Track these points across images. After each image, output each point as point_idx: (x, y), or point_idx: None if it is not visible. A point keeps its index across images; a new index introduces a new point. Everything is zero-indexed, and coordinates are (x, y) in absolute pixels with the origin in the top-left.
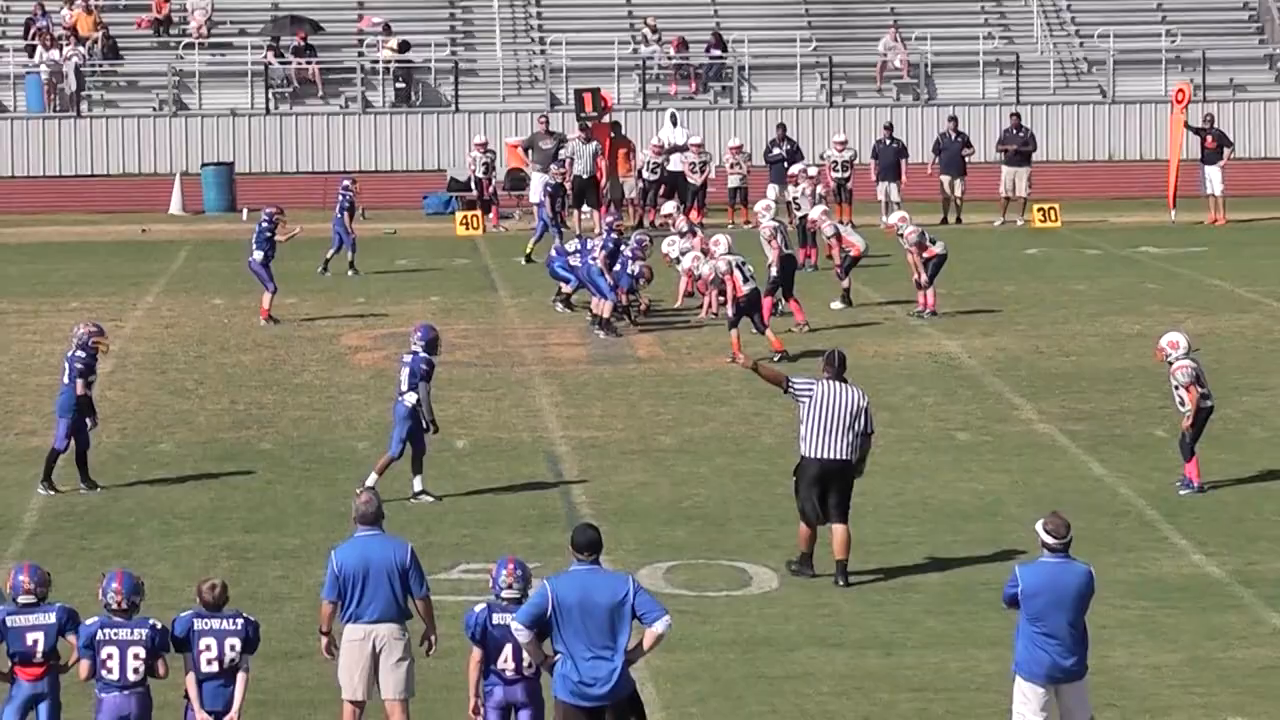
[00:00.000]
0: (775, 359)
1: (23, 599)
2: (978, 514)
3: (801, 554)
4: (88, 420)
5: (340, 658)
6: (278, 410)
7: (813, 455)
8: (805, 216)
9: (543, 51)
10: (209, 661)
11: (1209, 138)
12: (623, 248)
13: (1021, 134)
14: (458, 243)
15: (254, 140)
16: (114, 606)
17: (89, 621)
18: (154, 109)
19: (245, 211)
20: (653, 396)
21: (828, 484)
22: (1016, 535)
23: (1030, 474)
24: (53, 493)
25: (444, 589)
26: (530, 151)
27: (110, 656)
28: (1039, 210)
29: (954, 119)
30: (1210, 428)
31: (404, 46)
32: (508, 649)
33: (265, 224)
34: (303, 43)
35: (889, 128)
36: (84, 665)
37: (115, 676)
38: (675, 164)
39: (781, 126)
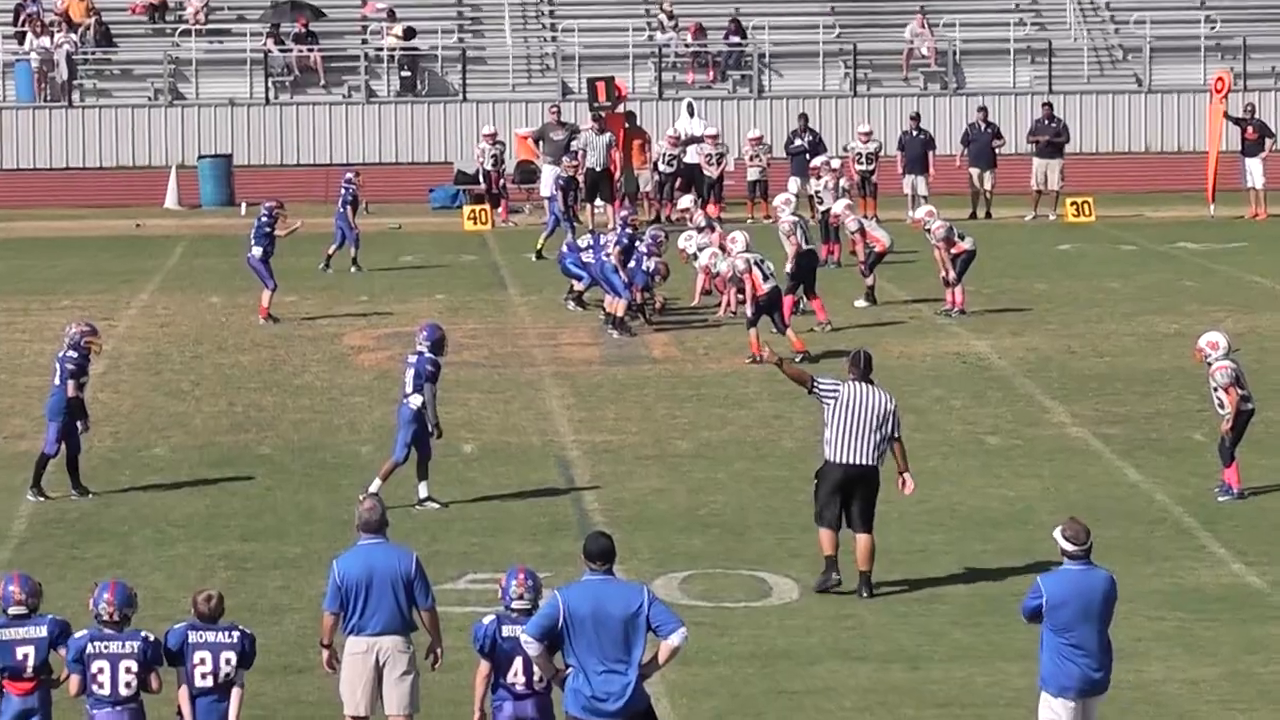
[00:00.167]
0: (797, 359)
1: (13, 610)
2: (1008, 521)
3: (826, 559)
4: (79, 423)
5: (342, 672)
6: (277, 413)
7: (837, 460)
8: (828, 211)
9: (554, 38)
10: (203, 676)
11: (1250, 128)
12: (637, 243)
13: (1054, 124)
14: (465, 238)
15: (253, 131)
16: (105, 618)
17: (78, 634)
18: (149, 99)
19: (244, 205)
20: (668, 399)
21: (851, 490)
22: (1048, 544)
23: (1063, 480)
24: (42, 499)
25: (450, 600)
26: (541, 143)
27: (101, 671)
28: (1072, 204)
29: (983, 109)
30: (1251, 431)
31: (409, 33)
32: (518, 662)
33: (265, 219)
34: (304, 29)
35: (915, 118)
36: (74, 680)
37: (106, 692)
38: (692, 156)
39: (803, 117)
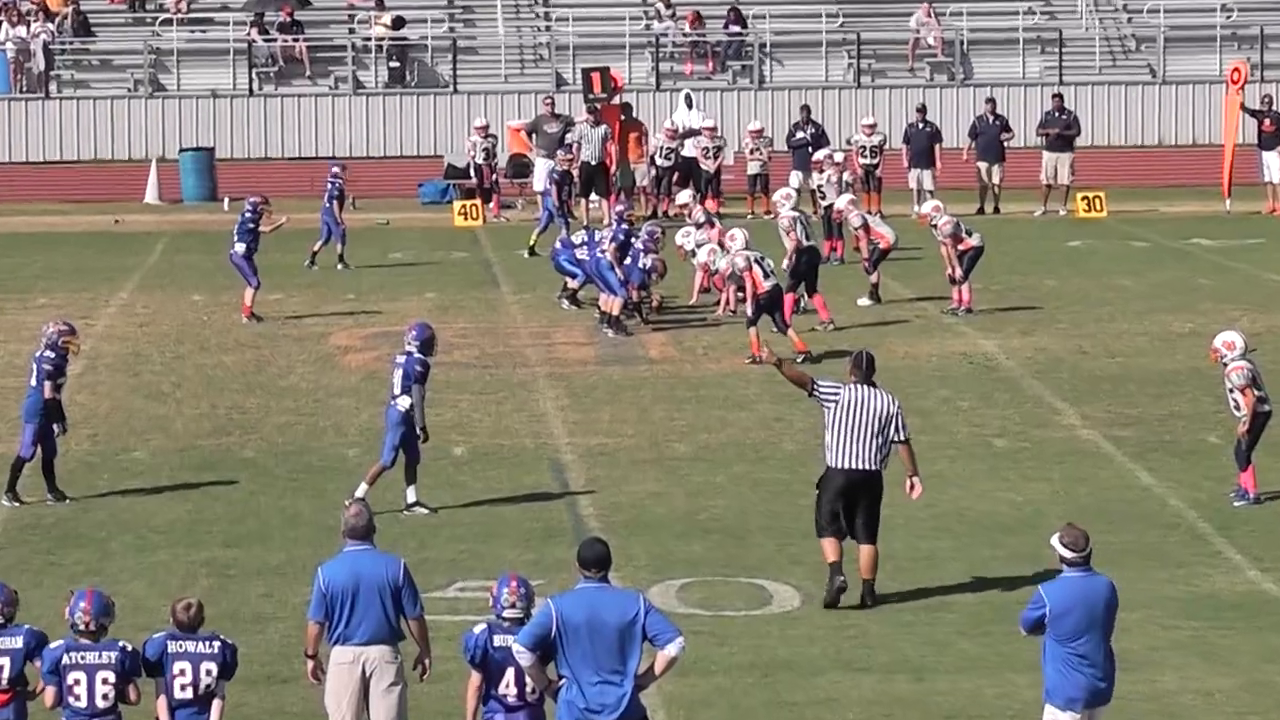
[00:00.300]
0: (799, 360)
1: None
2: (1017, 526)
3: (830, 565)
4: (56, 426)
5: (327, 682)
6: (261, 415)
7: (838, 465)
8: (831, 206)
9: (548, 27)
10: (183, 687)
11: (1267, 120)
12: (634, 240)
13: (1064, 117)
14: (456, 234)
15: (236, 123)
16: (81, 628)
17: (54, 644)
18: (128, 90)
19: (227, 200)
20: (666, 400)
21: (854, 497)
22: None
23: (1073, 484)
24: (17, 504)
25: (440, 608)
26: (534, 136)
27: (77, 682)
28: (1083, 199)
29: (991, 101)
30: (1268, 434)
31: (398, 22)
32: (510, 673)
33: (249, 214)
34: (289, 18)
35: (921, 110)
36: (49, 692)
37: (83, 704)
38: (690, 149)
39: (805, 109)
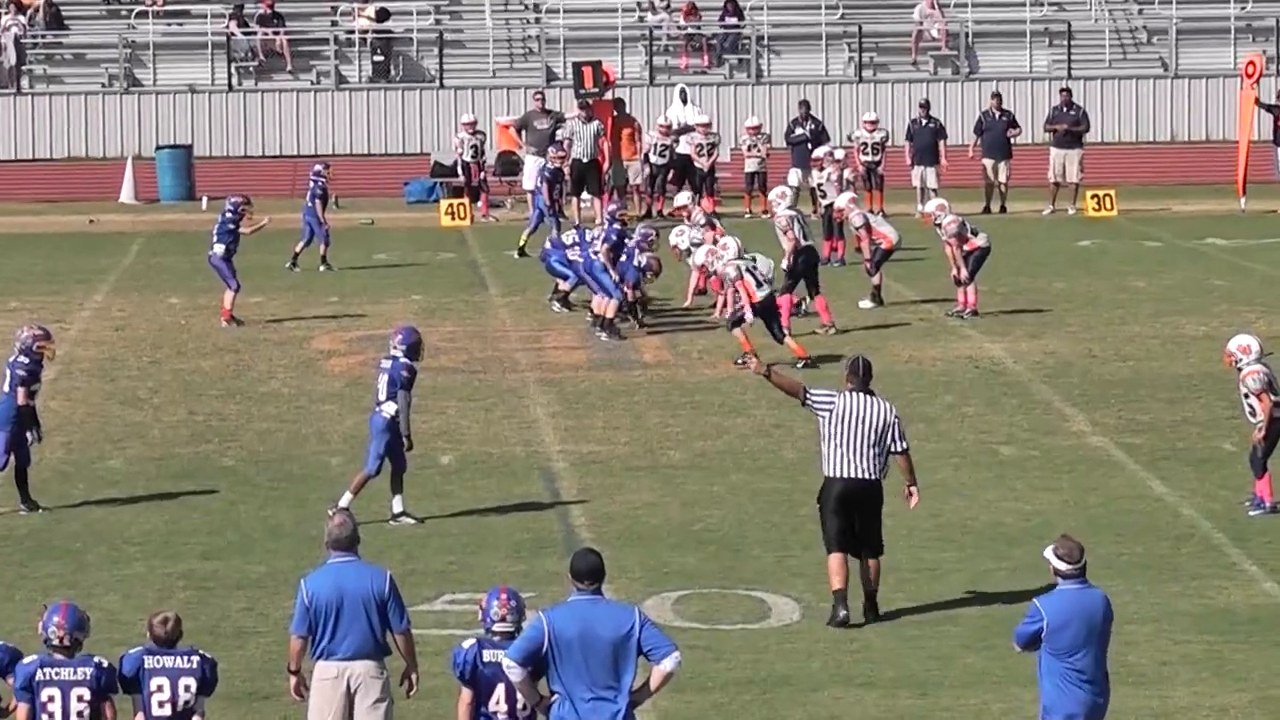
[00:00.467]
0: (798, 366)
1: None
2: (1024, 537)
3: (835, 594)
4: (30, 433)
5: (311, 699)
6: (241, 422)
7: (836, 474)
8: (831, 205)
9: (538, 20)
10: (160, 704)
11: None
12: (627, 240)
13: (1073, 112)
14: (443, 234)
15: (215, 120)
16: (55, 643)
17: (27, 660)
18: (103, 85)
19: (205, 200)
20: (661, 406)
21: (854, 509)
22: None
23: (1082, 493)
24: None
25: (427, 622)
26: (524, 132)
27: (51, 699)
28: (1092, 197)
29: (998, 95)
30: None
31: (382, 15)
32: (500, 689)
33: (229, 214)
34: (269, 11)
35: (925, 105)
36: (22, 709)
37: None
38: (685, 146)
39: (805, 104)
